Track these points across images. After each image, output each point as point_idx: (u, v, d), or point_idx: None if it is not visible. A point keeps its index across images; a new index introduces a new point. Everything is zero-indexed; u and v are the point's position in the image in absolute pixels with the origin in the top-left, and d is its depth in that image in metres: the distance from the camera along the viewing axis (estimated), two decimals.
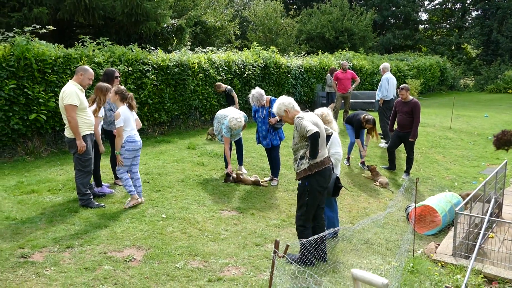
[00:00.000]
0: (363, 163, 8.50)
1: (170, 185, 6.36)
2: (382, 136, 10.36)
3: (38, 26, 8.56)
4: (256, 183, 6.74)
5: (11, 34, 8.32)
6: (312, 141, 3.98)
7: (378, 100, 10.65)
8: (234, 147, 7.47)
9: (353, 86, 12.20)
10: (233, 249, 4.46)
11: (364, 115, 8.02)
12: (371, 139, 8.51)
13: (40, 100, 8.19)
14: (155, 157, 8.15)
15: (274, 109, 4.46)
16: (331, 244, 4.98)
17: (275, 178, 7.00)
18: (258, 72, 13.28)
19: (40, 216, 4.95)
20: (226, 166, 7.02)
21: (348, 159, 8.52)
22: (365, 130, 8.28)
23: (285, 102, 4.38)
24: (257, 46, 14.19)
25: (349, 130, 8.46)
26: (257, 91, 6.70)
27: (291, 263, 4.18)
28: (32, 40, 8.25)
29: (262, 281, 3.83)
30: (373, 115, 8.26)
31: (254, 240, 4.77)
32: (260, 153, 8.47)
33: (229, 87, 10.50)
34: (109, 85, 5.60)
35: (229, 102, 10.38)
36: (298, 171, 4.25)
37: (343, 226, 5.52)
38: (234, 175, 6.77)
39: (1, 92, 7.73)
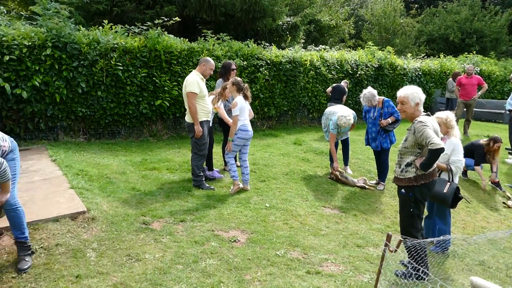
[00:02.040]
0: (497, 184, 7.36)
1: (275, 177, 6.52)
2: (510, 151, 9.25)
3: (166, 19, 9.42)
4: (362, 187, 6.55)
5: (145, 28, 9.29)
6: (433, 156, 3.55)
7: (508, 111, 9.49)
8: (340, 146, 7.36)
9: (479, 93, 11.05)
10: (333, 246, 4.42)
11: (481, 140, 7.21)
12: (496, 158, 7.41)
13: (165, 88, 9.03)
14: (262, 149, 8.42)
15: (405, 93, 3.77)
16: (440, 259, 4.63)
17: (382, 183, 6.72)
18: (371, 72, 12.84)
19: (159, 190, 5.49)
20: (332, 164, 6.95)
21: (465, 172, 7.76)
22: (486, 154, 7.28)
23: (420, 94, 3.79)
24: (372, 45, 13.71)
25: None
26: (369, 91, 6.49)
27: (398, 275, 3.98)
28: (162, 34, 9.11)
29: (361, 282, 3.74)
30: (500, 127, 7.40)
31: (355, 241, 4.66)
32: (368, 155, 8.20)
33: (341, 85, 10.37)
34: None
35: (337, 97, 10.18)
36: (401, 177, 3.84)
37: (456, 241, 5.08)
38: (338, 174, 6.68)
39: (134, 79, 8.69)
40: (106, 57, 8.37)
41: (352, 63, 12.47)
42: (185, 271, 3.49)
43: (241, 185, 5.72)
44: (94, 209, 4.46)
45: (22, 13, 9.24)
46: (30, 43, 7.61)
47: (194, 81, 5.52)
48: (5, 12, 9.13)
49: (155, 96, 9.05)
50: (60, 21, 8.22)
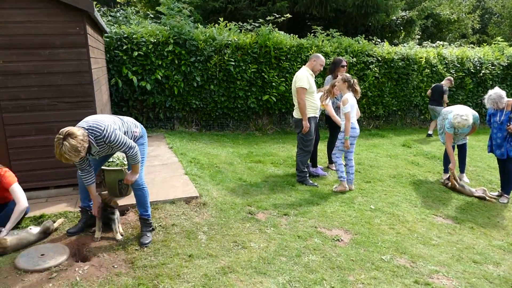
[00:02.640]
0: None
1: (381, 179, 6.25)
2: None
3: (277, 16, 9.59)
4: (481, 198, 5.93)
5: (257, 24, 9.57)
6: None
7: None
8: (456, 151, 6.75)
9: None
10: (445, 258, 4.09)
11: None
12: None
13: (273, 83, 9.22)
14: (368, 149, 8.13)
15: None
16: None
17: (506, 195, 6.00)
18: (498, 72, 11.52)
19: (264, 183, 5.65)
20: (445, 170, 6.42)
21: None
22: None
23: None
24: (501, 41, 12.27)
25: None
26: (495, 92, 5.82)
27: None
28: (272, 31, 9.30)
29: None
30: None
31: (471, 256, 4.24)
32: (489, 163, 7.41)
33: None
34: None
35: (435, 98, 9.35)
36: None
37: None
38: (455, 182, 6.13)
39: (244, 74, 9.03)
40: (220, 53, 8.84)
41: (475, 61, 11.34)
42: (288, 263, 3.54)
43: (348, 186, 5.60)
44: (205, 195, 4.76)
45: (148, 12, 10.22)
46: (155, 40, 8.38)
47: (304, 77, 5.53)
48: (135, 12, 10.19)
49: (263, 91, 9.31)
50: (181, 20, 8.91)
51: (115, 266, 3.41)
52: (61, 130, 3.16)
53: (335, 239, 4.12)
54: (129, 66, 8.30)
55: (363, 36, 10.92)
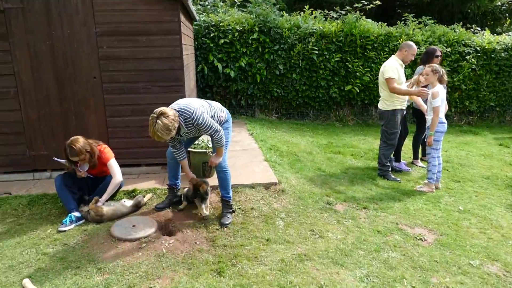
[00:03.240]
0: None
1: (472, 179, 5.79)
2: None
3: (365, 3, 9.22)
4: None
5: (343, 12, 9.30)
6: None
7: None
8: None
9: None
10: None
11: None
12: None
13: (357, 73, 8.94)
14: (458, 146, 7.57)
15: None
16: None
17: None
18: None
19: (343, 174, 5.54)
20: None
21: None
22: None
23: None
24: None
25: None
26: None
27: None
28: (359, 19, 8.98)
29: None
30: None
31: None
32: None
33: None
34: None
35: None
36: None
37: None
38: None
39: (327, 63, 8.87)
40: (304, 41, 8.77)
41: None
42: (366, 257, 3.46)
43: (434, 185, 5.24)
44: (284, 182, 4.80)
45: (235, 0, 10.44)
46: (240, 28, 8.55)
47: (392, 67, 5.28)
48: (222, 0, 10.47)
49: (345, 81, 9.07)
50: (267, 8, 8.97)
51: (197, 243, 3.60)
52: (155, 110, 3.39)
53: (418, 237, 3.92)
54: (215, 53, 8.59)
55: (460, 24, 10.08)
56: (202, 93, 8.95)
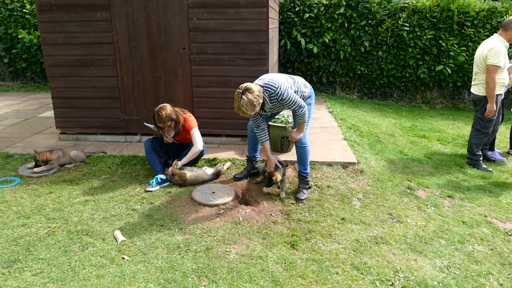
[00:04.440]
0: None
1: None
2: None
3: None
4: None
5: None
6: None
7: None
8: None
9: None
10: None
11: None
12: None
13: (451, 53, 8.27)
14: None
15: None
16: None
17: None
18: None
19: (427, 159, 5.24)
20: None
21: None
22: None
23: None
24: None
25: None
26: None
27: None
28: None
29: None
30: None
31: None
32: None
33: None
34: None
35: None
36: None
37: None
38: None
39: (418, 41, 8.30)
40: (394, 16, 8.27)
41: None
42: (448, 248, 3.27)
43: None
44: (363, 163, 4.68)
45: None
46: (327, 2, 8.29)
47: (500, 51, 4.64)
48: None
49: (437, 60, 8.45)
50: None
51: (273, 215, 3.67)
52: (240, 85, 3.45)
53: (510, 233, 3.61)
54: (299, 28, 8.46)
55: None
56: (283, 68, 8.92)
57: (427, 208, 3.92)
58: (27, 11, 9.35)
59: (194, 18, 4.87)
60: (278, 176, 3.94)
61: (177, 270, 2.85)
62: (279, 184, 4.02)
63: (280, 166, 3.98)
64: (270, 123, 4.75)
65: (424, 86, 8.82)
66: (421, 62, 8.44)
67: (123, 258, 2.97)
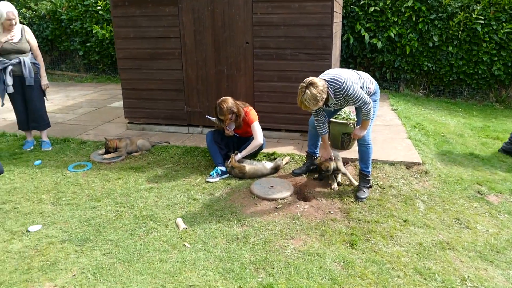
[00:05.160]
0: None
1: None
2: None
3: None
4: None
5: None
6: None
7: None
8: None
9: None
10: None
11: None
12: None
13: None
14: None
15: None
16: None
17: None
18: None
19: (500, 162, 4.85)
20: None
21: None
22: None
23: None
24: None
25: None
26: None
27: None
28: None
29: None
30: None
31: None
32: None
33: None
34: None
35: None
36: None
37: None
38: None
39: (494, 35, 7.72)
40: (467, 9, 7.76)
41: None
42: None
43: None
44: (429, 163, 4.46)
45: None
46: None
47: None
48: None
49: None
50: None
51: (331, 212, 3.62)
52: (305, 79, 3.42)
53: None
54: (362, 22, 8.21)
55: None
56: (345, 63, 8.72)
57: (500, 215, 3.65)
58: (100, 7, 9.93)
59: (258, 12, 4.89)
60: (326, 164, 3.93)
61: (235, 260, 2.90)
62: (332, 175, 4.00)
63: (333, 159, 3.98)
64: (331, 119, 4.67)
65: (498, 83, 8.20)
66: (496, 58, 7.84)
67: (184, 245, 3.08)
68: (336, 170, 4.03)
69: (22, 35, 4.81)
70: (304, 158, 4.59)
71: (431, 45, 8.02)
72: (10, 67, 4.70)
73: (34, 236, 3.21)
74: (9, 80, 4.71)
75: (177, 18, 5.15)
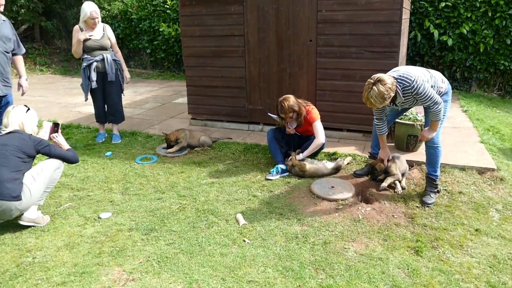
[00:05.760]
0: None
1: None
2: None
3: None
4: None
5: None
6: None
7: None
8: None
9: None
10: None
11: None
12: None
13: None
14: None
15: None
16: None
17: None
18: None
19: None
20: None
21: None
22: None
23: None
24: None
25: None
26: None
27: None
28: None
29: None
30: None
31: None
32: None
33: None
34: None
35: None
36: None
37: None
38: None
39: None
40: None
41: None
42: None
43: None
44: (504, 169, 4.14)
45: None
46: None
47: None
48: None
49: None
50: None
51: (395, 216, 3.48)
52: (373, 76, 3.31)
53: None
54: (432, 18, 7.81)
55: None
56: (411, 62, 8.34)
57: None
58: (168, 6, 10.32)
59: (323, 10, 4.82)
60: (380, 164, 3.84)
61: (294, 259, 2.89)
62: (389, 178, 3.88)
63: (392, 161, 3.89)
64: (396, 120, 4.49)
65: None
66: None
67: (244, 241, 3.12)
68: (386, 172, 3.89)
69: (104, 32, 5.11)
70: (366, 159, 4.46)
71: (509, 42, 7.44)
72: (94, 64, 5.02)
73: (105, 223, 3.41)
74: (94, 76, 5.04)
75: (241, 16, 5.22)
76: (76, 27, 5.02)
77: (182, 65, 10.92)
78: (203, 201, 3.79)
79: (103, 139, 5.49)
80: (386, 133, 3.82)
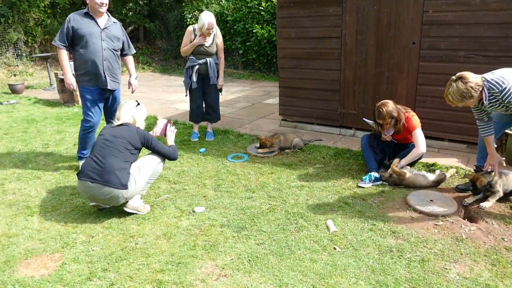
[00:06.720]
0: None
1: None
2: None
3: None
4: None
5: None
6: None
7: None
8: None
9: None
10: None
11: None
12: None
13: None
14: None
15: None
16: None
17: None
18: None
19: None
20: None
21: None
22: None
23: None
24: None
25: None
26: None
27: None
28: None
29: None
30: None
31: None
32: None
33: None
34: None
35: None
36: None
37: None
38: None
39: None
40: None
41: None
42: None
43: None
44: None
45: None
46: None
47: None
48: None
49: None
50: None
51: (505, 240, 3.13)
52: (458, 73, 3.14)
53: None
54: None
55: None
56: None
57: None
58: (262, 8, 10.52)
59: (430, 10, 4.51)
60: (483, 179, 3.48)
61: (389, 274, 2.73)
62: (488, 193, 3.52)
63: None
64: (507, 130, 4.06)
65: None
66: None
67: (335, 249, 3.03)
68: (488, 186, 3.51)
69: (214, 40, 5.32)
70: (470, 172, 4.08)
71: None
72: (197, 66, 5.28)
73: (199, 217, 3.55)
74: (194, 78, 5.31)
75: (340, 18, 5.10)
76: (190, 28, 5.25)
77: (272, 66, 11.06)
78: (292, 203, 3.77)
79: (197, 138, 5.75)
80: (492, 135, 3.46)
